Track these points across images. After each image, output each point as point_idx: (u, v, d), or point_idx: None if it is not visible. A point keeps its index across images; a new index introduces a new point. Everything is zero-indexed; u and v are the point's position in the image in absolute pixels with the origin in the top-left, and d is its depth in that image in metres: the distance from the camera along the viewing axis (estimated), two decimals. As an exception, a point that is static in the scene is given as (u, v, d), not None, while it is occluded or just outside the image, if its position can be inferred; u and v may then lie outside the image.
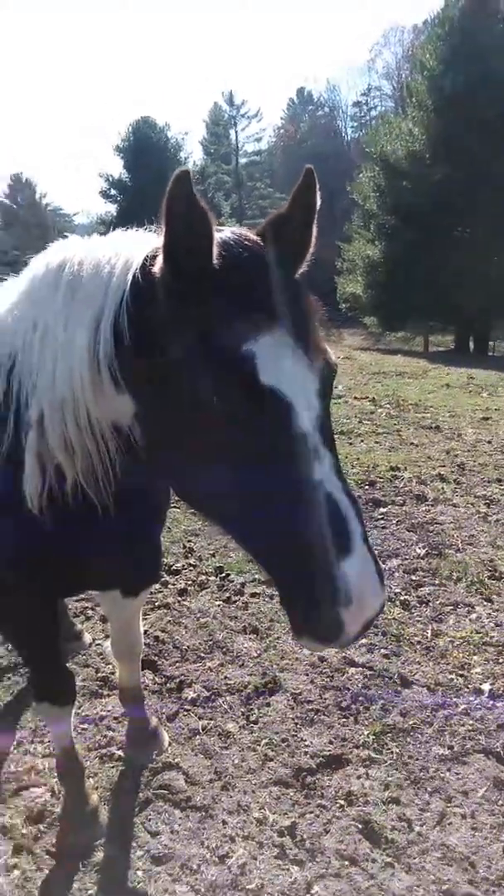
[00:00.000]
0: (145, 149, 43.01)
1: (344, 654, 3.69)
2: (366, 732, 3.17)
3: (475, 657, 3.75)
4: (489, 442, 8.61)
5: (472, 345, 30.97)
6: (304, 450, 1.51)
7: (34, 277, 1.93)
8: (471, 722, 3.23)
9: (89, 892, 2.44)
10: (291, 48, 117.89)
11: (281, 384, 1.49)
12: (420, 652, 3.81)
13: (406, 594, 4.48)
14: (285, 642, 3.85)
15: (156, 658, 3.73)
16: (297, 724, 3.24)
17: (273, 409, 1.49)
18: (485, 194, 27.32)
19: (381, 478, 6.80)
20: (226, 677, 3.57)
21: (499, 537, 5.42)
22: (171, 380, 1.60)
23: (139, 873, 2.50)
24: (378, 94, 65.06)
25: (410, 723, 3.24)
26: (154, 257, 1.66)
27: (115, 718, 3.27)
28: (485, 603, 4.37)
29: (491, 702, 3.37)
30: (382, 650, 3.80)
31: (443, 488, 6.60)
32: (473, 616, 4.21)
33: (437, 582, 4.66)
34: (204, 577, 4.70)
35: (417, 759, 3.01)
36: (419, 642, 3.90)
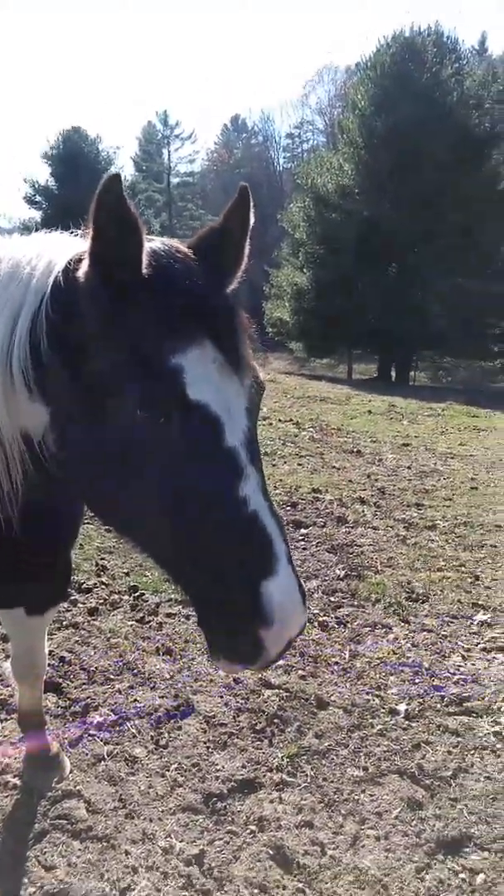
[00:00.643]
0: (75, 159, 42.50)
1: (260, 676, 3.60)
2: (280, 755, 3.07)
3: (391, 678, 3.74)
4: (408, 467, 8.82)
5: (394, 374, 31.99)
6: (231, 467, 1.46)
7: None
8: (386, 742, 3.19)
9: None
10: (229, 75, 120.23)
11: (209, 399, 1.44)
12: (337, 673, 3.77)
13: (325, 615, 4.44)
14: (200, 663, 3.72)
15: (60, 680, 3.52)
16: (208, 747, 3.11)
17: (200, 424, 1.44)
18: (410, 232, 28.51)
19: (303, 499, 6.81)
20: (135, 700, 3.40)
21: (416, 560, 5.50)
22: (91, 390, 1.52)
23: (31, 914, 2.30)
24: (311, 129, 67.09)
25: (326, 744, 3.17)
26: (79, 261, 1.58)
27: (13, 744, 3.04)
28: (402, 624, 4.39)
29: (406, 722, 3.35)
30: (300, 671, 3.73)
31: (363, 511, 6.67)
32: (391, 637, 4.21)
33: (355, 603, 4.65)
34: (117, 595, 4.52)
35: (332, 782, 2.94)
36: (336, 663, 3.86)
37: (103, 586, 4.63)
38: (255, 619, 1.39)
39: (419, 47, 29.34)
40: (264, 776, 2.95)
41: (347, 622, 4.37)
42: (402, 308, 28.79)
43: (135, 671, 3.64)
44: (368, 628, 4.30)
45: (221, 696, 3.46)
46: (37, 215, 45.07)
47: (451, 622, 4.44)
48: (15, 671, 2.79)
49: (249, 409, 1.56)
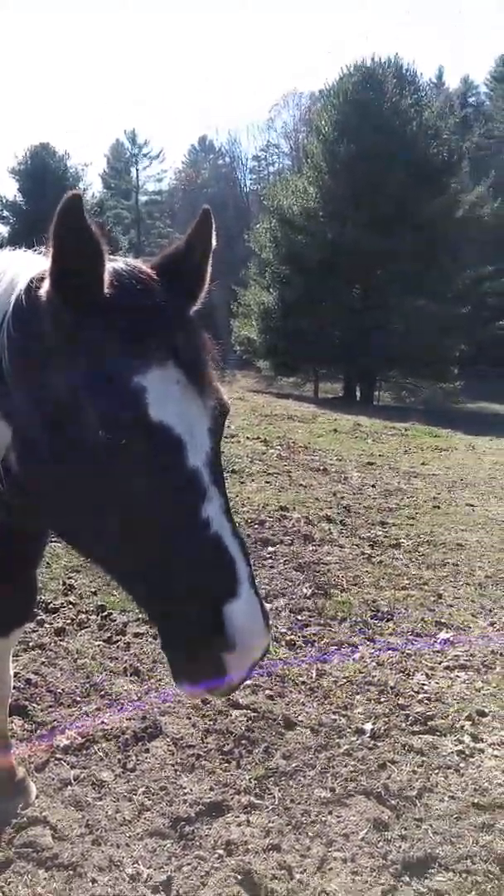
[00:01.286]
0: (42, 175, 42.38)
1: (228, 696, 3.59)
2: (248, 777, 3.07)
3: (358, 696, 3.77)
4: (373, 486, 8.93)
5: (359, 393, 32.41)
6: (193, 488, 1.46)
7: None
8: (352, 763, 3.22)
9: None
10: (196, 95, 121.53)
11: (171, 420, 1.44)
12: (304, 692, 3.78)
13: (292, 634, 4.46)
14: (168, 684, 3.70)
15: (26, 703, 3.45)
16: (176, 770, 3.09)
17: (162, 445, 1.44)
18: (373, 255, 29.08)
19: (270, 517, 6.84)
20: (103, 722, 3.36)
21: (381, 578, 5.56)
22: (52, 410, 1.52)
23: None
24: (276, 152, 68.09)
25: (293, 765, 3.17)
26: (41, 280, 1.58)
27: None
28: (368, 643, 4.43)
29: (372, 741, 3.38)
30: (267, 691, 3.74)
31: (329, 529, 6.73)
32: (357, 656, 4.25)
33: (322, 622, 4.68)
34: (84, 615, 4.47)
35: (299, 803, 2.94)
36: (304, 682, 3.88)
37: (70, 606, 4.58)
38: (218, 642, 1.39)
39: (380, 77, 30.24)
40: (232, 799, 2.94)
41: (314, 641, 4.39)
42: (366, 329, 29.30)
43: (102, 693, 3.60)
44: (335, 647, 4.34)
45: (189, 718, 3.44)
46: (3, 230, 44.71)
47: (416, 640, 4.50)
48: (-21, 695, 2.74)
49: (212, 429, 1.56)
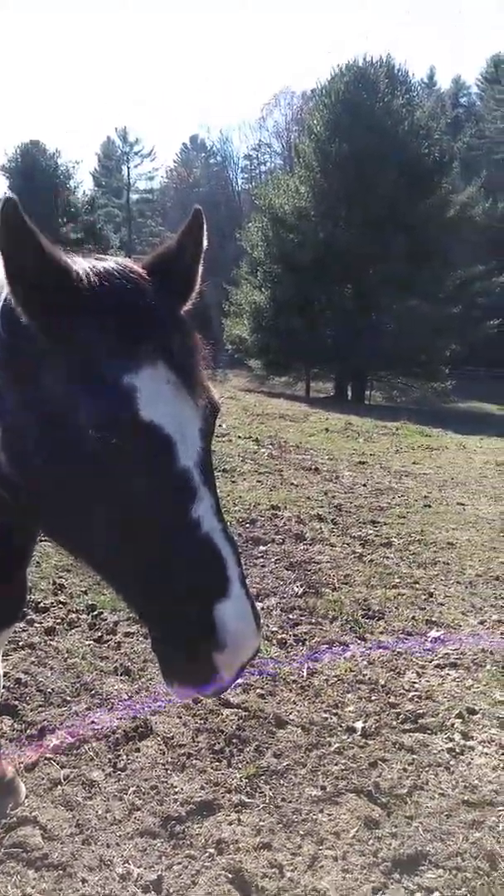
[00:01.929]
0: (33, 172, 42.20)
1: (219, 696, 3.59)
2: (238, 776, 3.07)
3: (349, 695, 3.78)
4: (364, 485, 8.95)
5: (350, 392, 32.50)
6: (184, 488, 1.45)
7: None
8: (343, 761, 3.22)
9: None
10: (188, 95, 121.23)
11: (162, 420, 1.43)
12: (295, 691, 3.79)
13: (283, 633, 4.46)
14: (159, 683, 3.69)
15: (16, 702, 3.44)
16: (167, 769, 3.08)
17: (153, 444, 1.43)
18: (364, 255, 29.16)
19: (261, 516, 6.84)
20: (93, 722, 3.35)
21: (372, 577, 5.57)
22: (43, 410, 1.51)
23: None
24: (268, 151, 68.15)
25: (284, 764, 3.17)
26: None
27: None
28: (358, 641, 4.44)
29: (363, 740, 3.38)
30: (258, 690, 3.74)
31: (321, 528, 6.74)
32: (347, 654, 4.25)
33: (313, 620, 4.69)
34: (74, 615, 4.45)
35: (290, 802, 2.95)
36: (295, 681, 3.88)
37: (60, 605, 4.56)
38: (208, 642, 1.38)
39: (371, 77, 30.34)
40: (223, 797, 2.94)
41: (305, 640, 4.40)
42: (358, 328, 29.39)
43: (92, 692, 3.59)
44: (326, 646, 4.34)
45: (180, 717, 3.44)
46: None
47: (406, 639, 4.51)
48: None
49: (203, 430, 1.55)
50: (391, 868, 2.62)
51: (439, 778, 3.14)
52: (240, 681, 3.66)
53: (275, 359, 32.78)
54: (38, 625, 4.26)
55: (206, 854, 2.64)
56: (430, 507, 8.08)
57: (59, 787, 2.92)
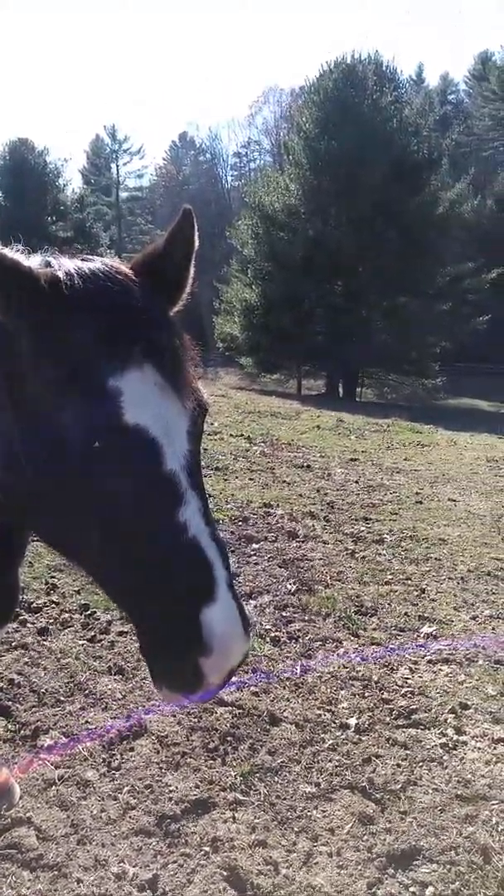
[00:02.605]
0: (21, 170, 41.93)
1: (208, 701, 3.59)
2: (233, 774, 3.07)
3: (342, 692, 3.79)
4: (356, 482, 8.97)
5: (341, 390, 32.54)
6: (170, 492, 1.44)
7: None
8: (337, 757, 3.23)
9: None
10: (176, 92, 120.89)
11: (148, 423, 1.42)
12: (289, 688, 3.79)
13: (276, 630, 4.47)
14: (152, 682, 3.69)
15: (9, 703, 3.43)
16: (161, 768, 3.08)
17: (139, 447, 1.42)
18: (354, 252, 29.18)
19: (254, 514, 6.84)
20: (87, 721, 3.35)
21: (365, 574, 5.59)
22: (32, 412, 1.50)
23: None
24: (257, 148, 68.05)
25: (278, 761, 3.18)
26: None
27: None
28: (352, 638, 4.45)
29: (357, 736, 3.40)
30: (252, 687, 3.74)
31: (313, 525, 6.75)
32: (341, 651, 4.27)
33: (306, 618, 4.70)
34: (67, 614, 4.44)
35: (285, 799, 2.95)
36: (288, 678, 3.89)
37: (53, 605, 4.55)
38: (195, 647, 1.38)
39: (360, 75, 30.32)
40: (218, 795, 2.95)
41: (299, 637, 4.41)
42: (348, 325, 29.42)
43: (86, 692, 3.59)
44: (319, 643, 4.35)
45: (174, 715, 3.44)
46: (-16, 227, 44.22)
47: (399, 635, 4.53)
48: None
49: (191, 432, 1.54)
50: (386, 863, 2.64)
51: (433, 773, 3.16)
52: (232, 682, 3.67)
53: (266, 356, 32.77)
54: (30, 625, 4.24)
55: (202, 852, 2.64)
56: (421, 503, 8.11)
57: (53, 787, 2.91)
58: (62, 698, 3.52)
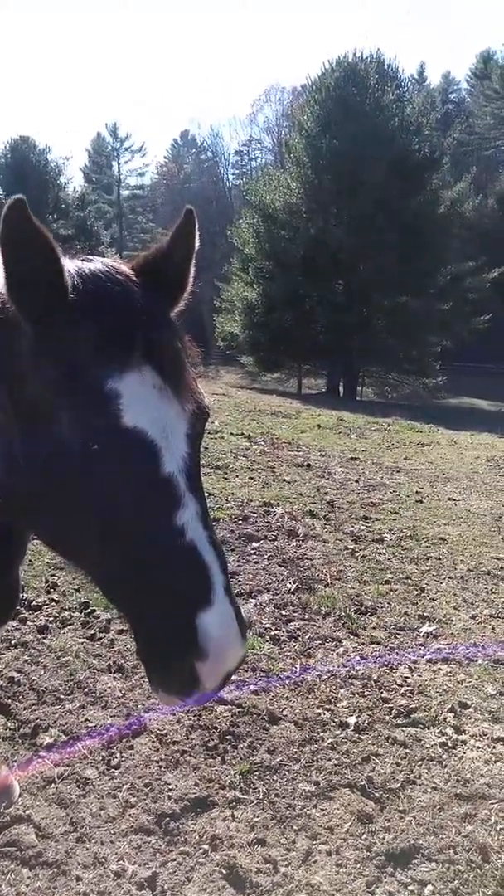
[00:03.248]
0: (23, 169, 41.91)
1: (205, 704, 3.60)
2: (233, 772, 3.08)
3: (342, 691, 3.79)
4: (356, 481, 8.97)
5: (342, 389, 32.52)
6: (168, 495, 1.44)
7: None
8: (337, 756, 3.23)
9: None
10: (178, 90, 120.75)
11: (146, 425, 1.42)
12: (289, 687, 3.80)
13: (276, 629, 4.47)
14: (152, 680, 3.69)
15: (9, 701, 3.43)
16: (161, 766, 3.09)
17: (137, 451, 1.42)
18: (355, 251, 29.16)
19: (254, 513, 6.84)
20: (87, 720, 3.35)
21: (365, 573, 5.59)
22: (31, 414, 1.50)
23: None
24: (259, 147, 67.98)
25: (278, 760, 3.19)
26: None
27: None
28: (351, 637, 4.46)
29: (356, 735, 3.40)
30: (252, 686, 3.75)
31: (313, 524, 6.75)
32: (340, 650, 4.27)
33: (306, 616, 4.70)
34: (67, 613, 4.44)
35: (284, 797, 2.96)
36: (288, 677, 3.89)
37: (53, 603, 4.55)
38: (191, 651, 1.37)
39: (362, 73, 30.26)
40: (217, 794, 2.95)
41: (298, 636, 4.41)
42: (349, 324, 29.39)
43: (86, 690, 3.59)
44: (319, 641, 4.35)
45: (174, 714, 3.44)
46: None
47: (399, 634, 4.54)
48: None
49: (190, 435, 1.53)
50: (385, 862, 2.64)
51: (432, 772, 3.17)
52: (231, 681, 3.68)
53: (266, 355, 32.77)
54: (30, 623, 4.25)
55: (201, 850, 2.64)
56: (421, 502, 8.11)
57: (52, 785, 2.92)
58: (62, 696, 3.53)
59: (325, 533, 6.53)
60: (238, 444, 10.37)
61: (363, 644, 4.36)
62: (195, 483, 1.51)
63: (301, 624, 4.57)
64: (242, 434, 11.29)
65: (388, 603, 5.02)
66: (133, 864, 2.55)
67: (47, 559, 5.09)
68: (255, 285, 32.44)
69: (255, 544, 6.01)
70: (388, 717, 3.56)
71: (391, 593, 5.21)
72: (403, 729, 3.47)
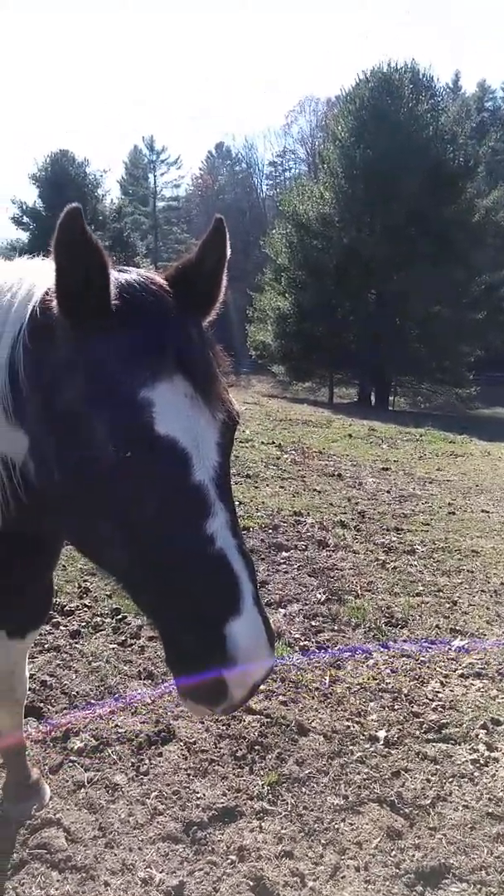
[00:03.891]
0: (62, 181, 42.72)
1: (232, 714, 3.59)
2: (260, 783, 3.06)
3: (371, 704, 3.75)
4: (388, 491, 8.90)
5: (373, 398, 32.33)
6: (199, 503, 1.45)
7: None
8: (366, 770, 3.20)
9: None
10: (214, 103, 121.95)
11: (178, 434, 1.44)
12: (318, 699, 3.77)
13: (306, 640, 4.45)
14: (181, 688, 3.70)
15: (41, 704, 3.48)
16: (189, 774, 3.09)
17: (168, 459, 1.43)
18: (389, 260, 29.03)
19: (284, 522, 6.83)
20: (116, 725, 3.37)
21: (396, 584, 5.54)
22: (63, 420, 1.53)
23: None
24: (293, 157, 68.26)
25: (306, 772, 3.16)
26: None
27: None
28: (382, 649, 4.41)
29: (386, 749, 3.36)
30: (280, 697, 3.73)
31: (344, 535, 6.71)
32: (370, 662, 4.23)
33: (336, 628, 4.67)
34: (99, 618, 4.49)
35: (312, 810, 2.94)
36: (317, 689, 3.87)
37: (86, 609, 4.61)
38: (219, 660, 1.37)
39: (396, 83, 30.20)
40: (245, 804, 2.94)
41: (328, 647, 4.38)
42: (381, 334, 29.24)
43: (116, 696, 3.62)
44: (349, 653, 4.32)
45: (202, 722, 3.44)
46: (24, 236, 45.09)
47: (430, 647, 4.48)
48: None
49: (221, 444, 1.55)
50: (414, 880, 2.60)
51: (463, 789, 3.11)
52: (260, 691, 3.67)
53: (298, 364, 32.78)
54: (63, 628, 4.30)
55: (228, 861, 2.64)
56: (454, 514, 8.01)
57: (82, 789, 2.94)
58: (93, 701, 3.56)
59: (355, 544, 6.49)
60: (269, 453, 10.38)
61: (394, 657, 4.31)
62: (225, 492, 1.52)
63: (331, 635, 4.55)
64: (273, 443, 11.29)
65: (420, 616, 4.96)
66: (160, 872, 2.56)
67: (80, 564, 5.15)
68: (287, 295, 32.52)
69: (285, 554, 6.00)
70: (418, 732, 3.52)
71: (422, 606, 5.15)
72: (434, 744, 3.42)
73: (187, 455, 1.45)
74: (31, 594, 2.37)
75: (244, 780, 3.08)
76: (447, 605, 5.19)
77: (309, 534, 6.58)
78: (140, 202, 62.63)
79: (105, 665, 3.90)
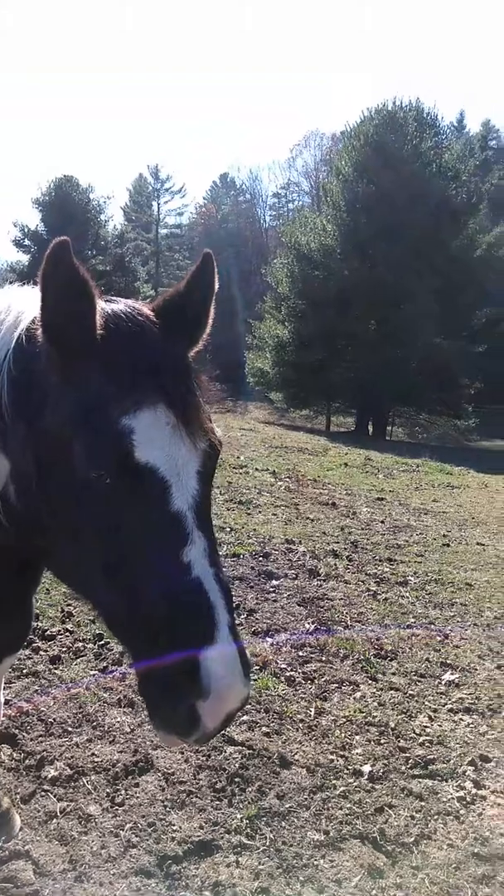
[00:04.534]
0: (66, 206, 43.27)
1: (224, 731, 3.51)
2: (239, 816, 2.98)
3: (357, 737, 3.67)
4: (382, 522, 8.85)
5: (371, 427, 32.39)
6: (177, 531, 1.45)
7: None
8: (348, 805, 3.11)
9: None
10: (220, 134, 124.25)
11: (158, 462, 1.45)
12: (302, 731, 3.69)
13: (292, 670, 4.37)
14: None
15: (16, 731, 3.40)
16: (166, 806, 3.00)
17: (148, 486, 1.44)
18: (390, 292, 29.32)
19: (275, 550, 6.77)
20: (93, 754, 3.29)
21: (386, 616, 5.46)
22: (48, 445, 1.54)
23: None
24: (296, 189, 69.35)
25: (287, 806, 3.08)
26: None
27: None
28: (369, 682, 4.33)
29: (370, 784, 3.27)
30: (264, 728, 3.65)
31: (335, 564, 6.65)
32: (357, 695, 4.15)
33: (323, 658, 4.59)
34: (81, 643, 4.41)
35: (291, 845, 2.84)
36: (302, 720, 3.78)
37: (67, 633, 4.53)
38: (192, 689, 1.36)
39: (401, 120, 30.82)
40: (222, 838, 2.85)
41: (314, 678, 4.30)
42: (380, 364, 29.40)
43: (94, 724, 3.53)
44: (336, 685, 4.24)
45: (182, 753, 3.36)
46: (24, 258, 45.56)
47: (419, 681, 4.39)
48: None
49: (202, 472, 1.55)
50: (394, 922, 2.51)
51: (448, 828, 3.02)
52: (245, 717, 3.59)
53: (296, 392, 32.91)
54: (43, 653, 4.22)
55: (202, 898, 2.54)
56: (448, 546, 7.95)
57: (54, 819, 2.85)
58: (69, 729, 3.47)
59: (347, 573, 6.42)
60: (263, 480, 10.35)
61: (381, 690, 4.23)
62: (204, 520, 1.52)
63: (318, 666, 4.47)
64: (268, 470, 11.27)
65: (410, 648, 4.88)
66: (131, 909, 2.46)
67: (64, 588, 5.08)
68: (286, 323, 32.79)
69: (274, 582, 5.93)
70: (404, 767, 3.43)
71: (413, 638, 5.07)
72: (420, 780, 3.34)
73: (167, 483, 1.45)
74: (9, 618, 2.32)
75: (222, 813, 2.99)
76: (438, 639, 5.11)
77: (300, 562, 6.52)
78: (143, 228, 63.48)
79: (84, 692, 3.82)
